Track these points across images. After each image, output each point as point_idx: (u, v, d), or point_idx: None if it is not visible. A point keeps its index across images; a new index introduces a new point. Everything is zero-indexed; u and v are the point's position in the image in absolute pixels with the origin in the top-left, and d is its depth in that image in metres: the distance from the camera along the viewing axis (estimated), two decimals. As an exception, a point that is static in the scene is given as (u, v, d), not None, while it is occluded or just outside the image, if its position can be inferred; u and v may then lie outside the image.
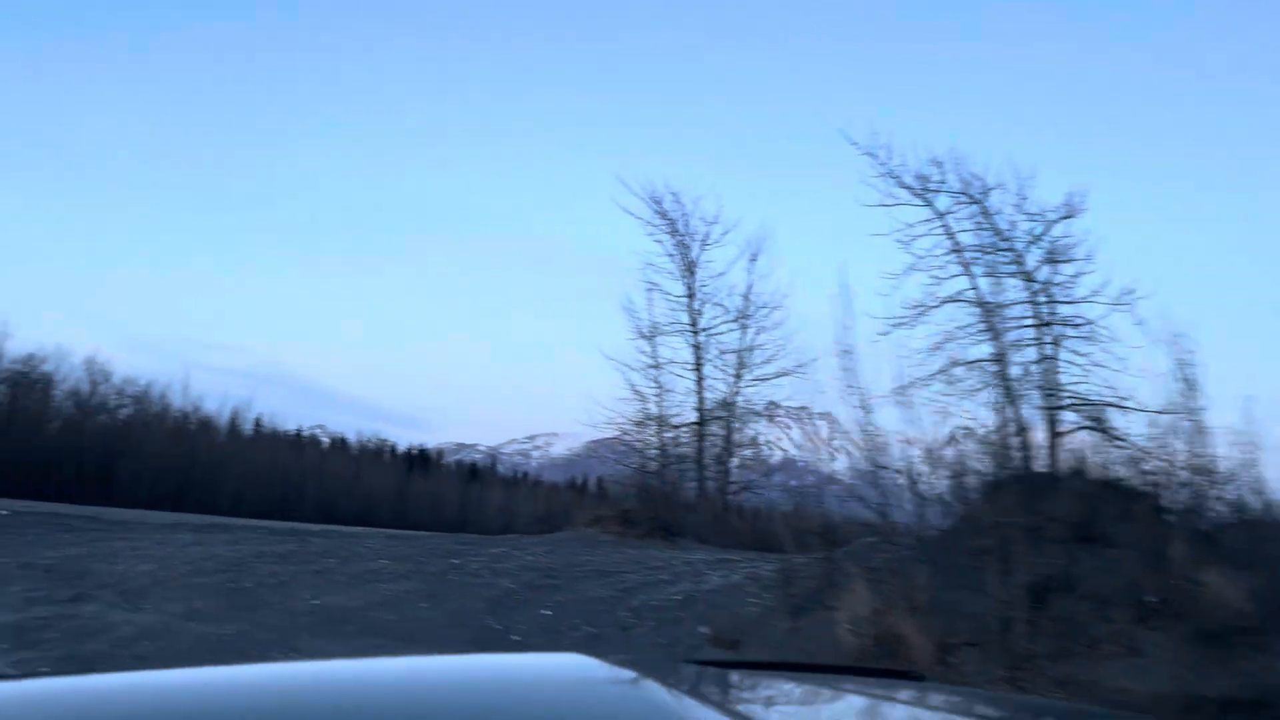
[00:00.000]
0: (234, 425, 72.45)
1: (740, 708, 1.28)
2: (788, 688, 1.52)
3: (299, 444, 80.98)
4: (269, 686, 1.15)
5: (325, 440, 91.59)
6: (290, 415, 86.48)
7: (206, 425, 69.70)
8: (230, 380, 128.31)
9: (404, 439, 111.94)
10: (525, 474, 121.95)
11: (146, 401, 70.71)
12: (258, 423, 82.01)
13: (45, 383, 70.94)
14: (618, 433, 21.35)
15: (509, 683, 1.24)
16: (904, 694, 1.56)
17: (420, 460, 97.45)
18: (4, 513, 16.87)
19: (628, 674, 1.26)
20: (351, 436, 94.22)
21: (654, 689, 1.20)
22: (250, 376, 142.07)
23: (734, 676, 1.59)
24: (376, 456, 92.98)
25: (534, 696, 1.13)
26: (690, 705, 1.14)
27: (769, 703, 1.40)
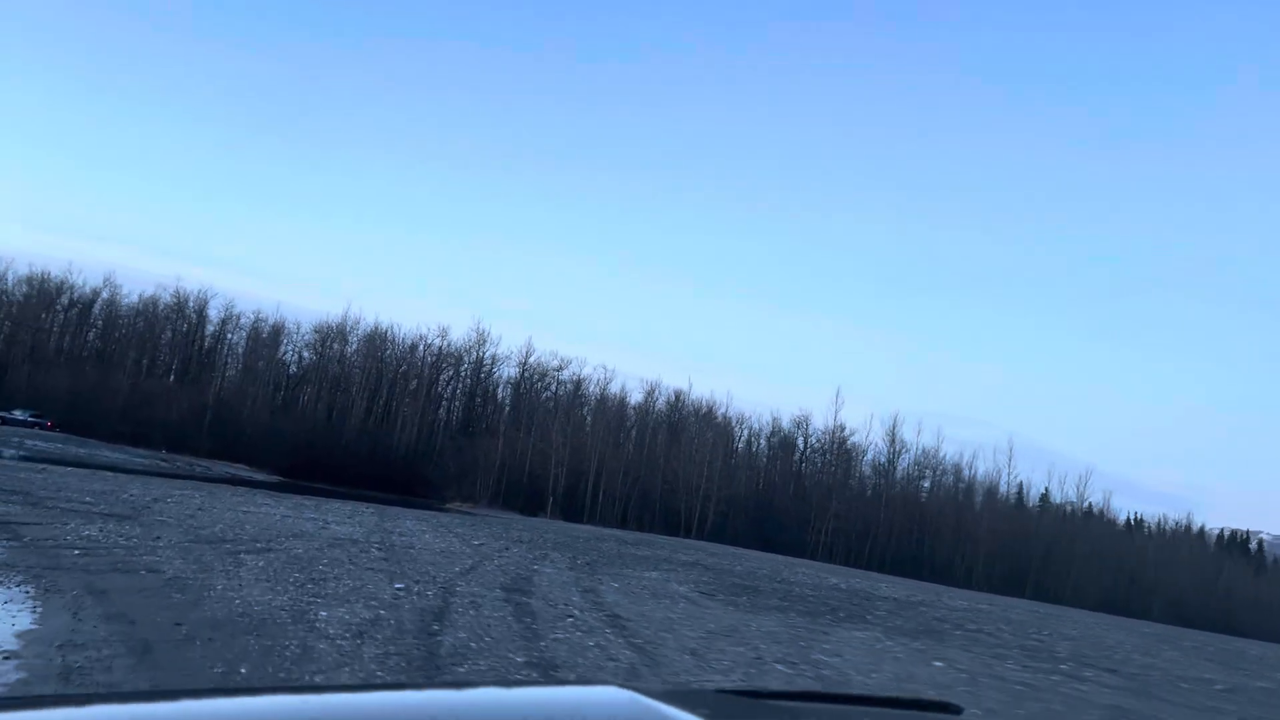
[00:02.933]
0: (1074, 508, 65.16)
1: None
2: (820, 719, 1.53)
3: (1108, 527, 70.80)
4: (301, 716, 1.11)
5: (1115, 520, 79.64)
6: (1035, 489, 77.02)
7: (1017, 504, 63.76)
8: (975, 453, 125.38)
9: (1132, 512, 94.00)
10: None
11: (949, 475, 68.13)
12: (1043, 498, 74.31)
13: (850, 453, 73.02)
14: None
15: (546, 714, 1.23)
16: None
17: (1241, 550, 79.47)
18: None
19: (663, 706, 1.22)
20: (1146, 516, 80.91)
21: None
22: (991, 449, 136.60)
23: (767, 707, 1.59)
24: (1178, 540, 77.92)
25: None
26: None
27: None
